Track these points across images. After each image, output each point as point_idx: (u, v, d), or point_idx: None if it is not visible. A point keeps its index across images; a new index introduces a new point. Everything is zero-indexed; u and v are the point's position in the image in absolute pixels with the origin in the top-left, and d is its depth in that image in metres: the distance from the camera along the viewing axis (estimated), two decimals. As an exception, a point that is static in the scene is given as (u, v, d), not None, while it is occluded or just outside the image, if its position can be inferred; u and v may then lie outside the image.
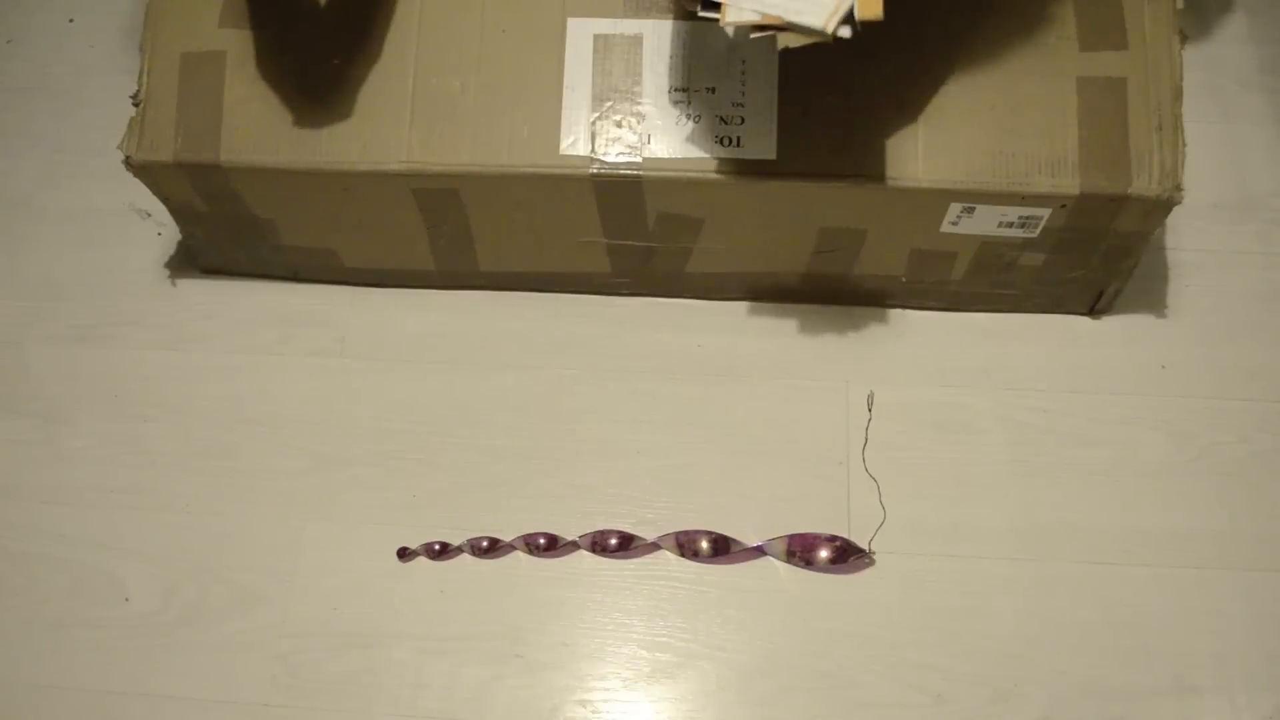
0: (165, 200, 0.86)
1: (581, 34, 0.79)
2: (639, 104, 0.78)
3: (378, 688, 0.76)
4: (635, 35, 0.78)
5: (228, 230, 0.88)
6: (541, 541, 0.80)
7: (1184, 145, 0.74)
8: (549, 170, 0.78)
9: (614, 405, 0.86)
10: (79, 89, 1.06)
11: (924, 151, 0.75)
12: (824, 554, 0.78)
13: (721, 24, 0.63)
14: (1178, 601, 0.76)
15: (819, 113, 0.76)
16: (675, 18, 0.78)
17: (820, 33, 0.61)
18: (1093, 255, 0.81)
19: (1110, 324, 0.87)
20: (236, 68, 0.80)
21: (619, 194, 0.79)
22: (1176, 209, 0.75)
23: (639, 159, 0.77)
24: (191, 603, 0.80)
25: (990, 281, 0.84)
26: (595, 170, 0.77)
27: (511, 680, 0.76)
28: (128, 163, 0.81)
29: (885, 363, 0.86)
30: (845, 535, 0.79)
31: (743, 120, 0.76)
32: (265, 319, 0.91)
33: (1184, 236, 0.90)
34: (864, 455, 0.82)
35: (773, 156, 0.76)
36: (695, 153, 0.76)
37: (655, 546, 0.80)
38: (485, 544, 0.80)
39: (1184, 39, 0.75)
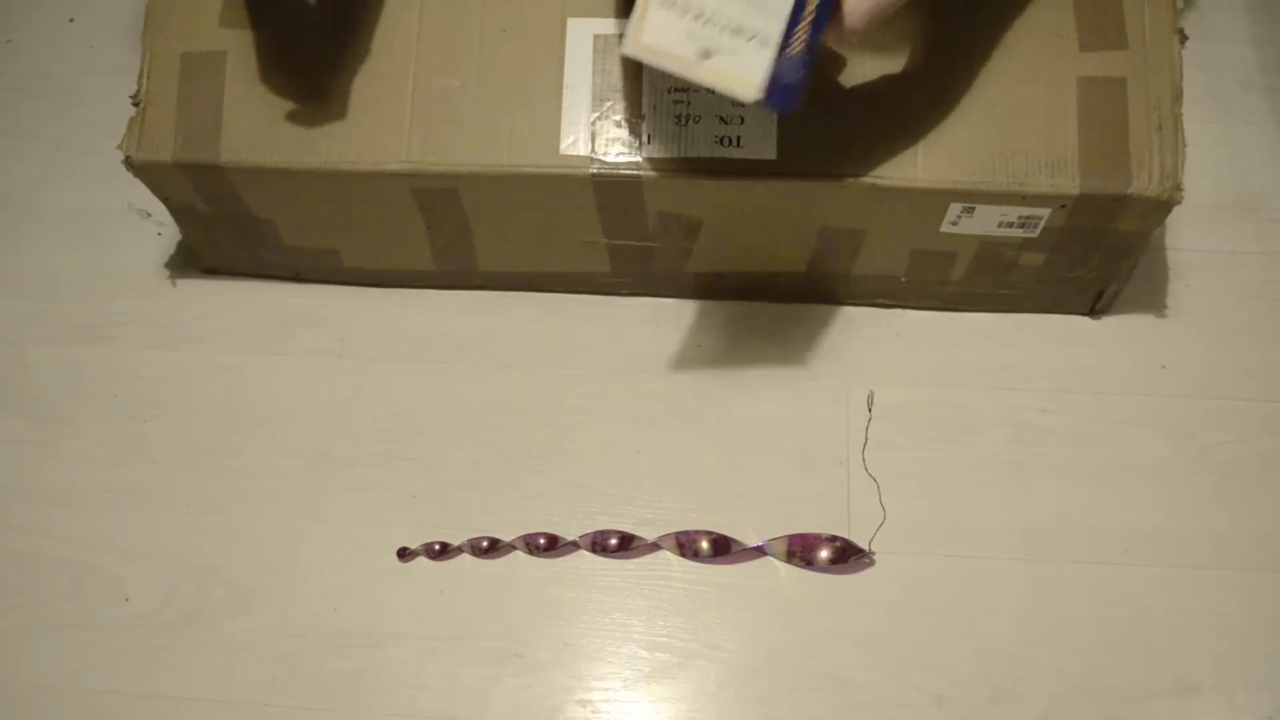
0: (165, 200, 0.86)
1: (581, 34, 0.79)
2: (639, 104, 0.78)
3: (378, 688, 0.76)
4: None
5: (228, 230, 0.88)
6: (541, 541, 0.80)
7: (1184, 145, 0.74)
8: (549, 170, 0.78)
9: (614, 405, 0.85)
10: (79, 89, 1.06)
11: (924, 151, 0.75)
12: (824, 554, 0.78)
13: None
14: (1178, 601, 0.76)
15: (819, 113, 0.76)
16: None
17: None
18: (1093, 255, 0.81)
19: (1110, 324, 0.87)
20: (236, 68, 0.80)
21: (619, 194, 0.79)
22: (1176, 209, 0.75)
23: (639, 159, 0.77)
24: (191, 603, 0.79)
25: (990, 281, 0.84)
26: (595, 170, 0.77)
27: (511, 680, 0.76)
28: (128, 163, 0.81)
29: (885, 363, 0.86)
30: (845, 535, 0.79)
31: (742, 120, 0.76)
32: (265, 319, 0.91)
33: (1184, 236, 0.90)
34: (864, 455, 0.82)
35: (773, 156, 0.76)
36: (695, 153, 0.76)
37: (655, 546, 0.80)
38: (485, 544, 0.80)
39: (1184, 39, 0.75)
